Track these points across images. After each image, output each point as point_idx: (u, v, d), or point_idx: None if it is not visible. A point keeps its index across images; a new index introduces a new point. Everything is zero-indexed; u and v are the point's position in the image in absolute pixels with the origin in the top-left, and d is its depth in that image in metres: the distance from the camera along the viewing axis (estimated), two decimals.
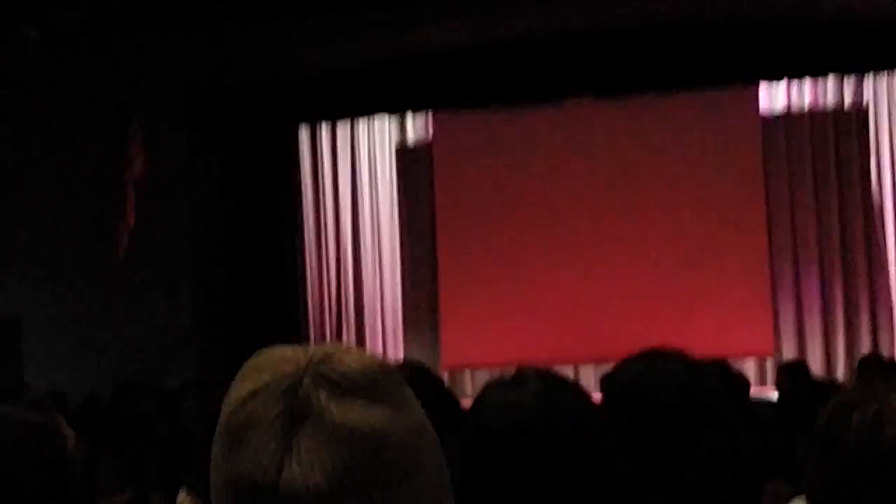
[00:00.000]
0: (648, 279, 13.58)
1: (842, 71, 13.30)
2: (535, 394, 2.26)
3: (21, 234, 13.28)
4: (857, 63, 13.02)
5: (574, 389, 2.36)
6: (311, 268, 14.43)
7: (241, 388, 1.30)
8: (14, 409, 3.06)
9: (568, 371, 12.08)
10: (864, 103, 13.64)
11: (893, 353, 12.61)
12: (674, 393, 2.86)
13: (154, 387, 10.80)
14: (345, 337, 14.29)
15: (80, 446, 6.97)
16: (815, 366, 11.96)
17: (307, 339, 14.09)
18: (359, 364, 1.28)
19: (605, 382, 2.98)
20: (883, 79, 13.39)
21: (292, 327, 14.05)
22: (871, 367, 8.09)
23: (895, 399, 2.35)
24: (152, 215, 12.67)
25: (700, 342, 11.02)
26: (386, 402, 1.27)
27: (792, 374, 8.20)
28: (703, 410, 2.90)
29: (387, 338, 14.42)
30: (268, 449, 1.22)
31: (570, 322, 13.65)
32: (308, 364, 1.27)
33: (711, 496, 3.00)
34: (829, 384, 8.01)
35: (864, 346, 12.79)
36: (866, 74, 13.39)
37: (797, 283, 13.66)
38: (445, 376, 11.63)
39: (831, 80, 13.56)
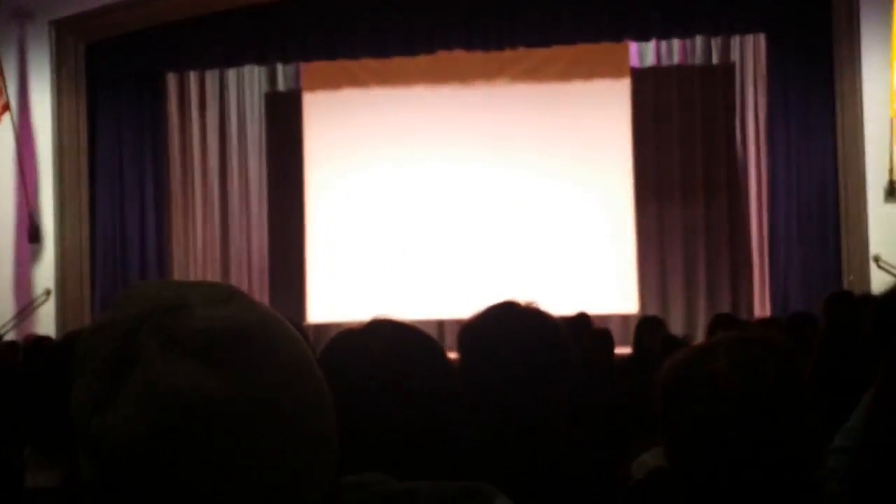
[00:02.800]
0: (516, 236, 13.62)
1: (709, 32, 13.45)
2: (382, 341, 2.26)
3: None
4: (724, 24, 13.02)
5: (422, 338, 2.34)
6: (177, 218, 14.22)
7: (98, 319, 1.26)
8: None
9: (433, 327, 12.34)
10: (731, 61, 14.05)
11: (752, 307, 13.13)
12: (524, 342, 2.92)
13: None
14: None
15: None
16: (678, 325, 12.31)
17: None
18: (205, 323, 1.19)
19: (460, 333, 3.05)
20: (749, 39, 13.67)
21: (158, 278, 13.74)
22: (722, 326, 8.32)
23: (724, 355, 2.33)
24: (16, 156, 12.49)
25: (567, 300, 11.35)
26: (221, 369, 1.17)
27: (647, 329, 8.50)
28: (554, 360, 2.96)
29: (253, 290, 13.97)
30: (90, 388, 1.18)
31: (437, 279, 13.67)
32: (153, 310, 1.20)
33: (570, 445, 3.18)
34: (682, 339, 8.12)
35: (724, 305, 13.06)
36: (733, 35, 13.68)
37: (661, 241, 13.87)
38: (311, 331, 11.57)
39: (700, 40, 13.78)
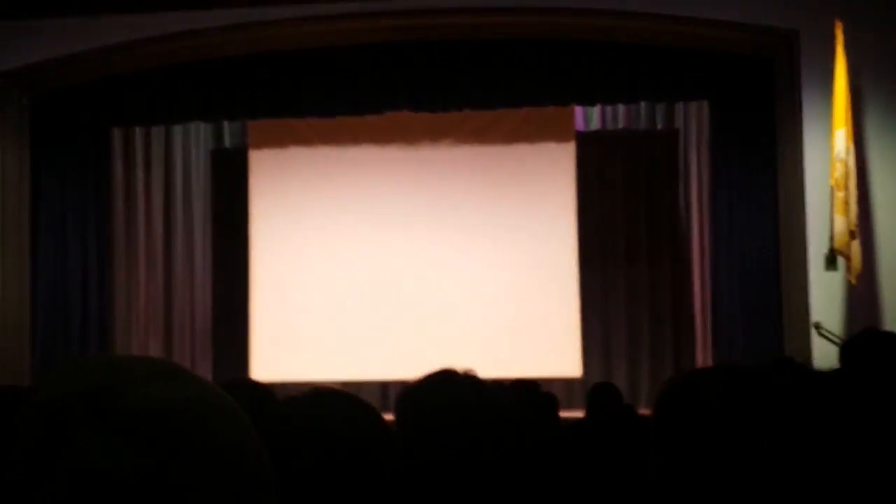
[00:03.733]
0: (461, 298, 13.68)
1: (654, 98, 13.59)
2: (324, 412, 2.32)
3: None
4: (668, 91, 13.23)
5: (362, 409, 2.38)
6: (120, 275, 14.06)
7: (30, 396, 1.25)
8: None
9: (376, 389, 12.69)
10: (675, 127, 14.16)
11: (695, 365, 13.20)
12: (458, 411, 2.96)
13: None
14: (152, 349, 14.14)
15: None
16: (621, 388, 12.39)
17: (113, 349, 13.74)
18: (139, 403, 1.18)
19: (397, 401, 3.08)
20: (692, 106, 13.73)
21: (99, 337, 13.76)
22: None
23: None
24: None
25: (512, 363, 11.60)
26: (154, 449, 1.16)
27: (603, 396, 8.38)
28: (489, 429, 2.98)
29: (196, 348, 14.27)
30: (21, 469, 1.17)
31: (382, 340, 13.56)
32: (87, 389, 1.19)
33: None
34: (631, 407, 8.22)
35: (667, 369, 13.16)
36: (677, 102, 13.80)
37: (605, 305, 13.96)
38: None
39: (644, 106, 13.91)
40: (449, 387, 3.08)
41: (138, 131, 14.08)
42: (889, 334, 6.75)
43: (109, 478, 1.13)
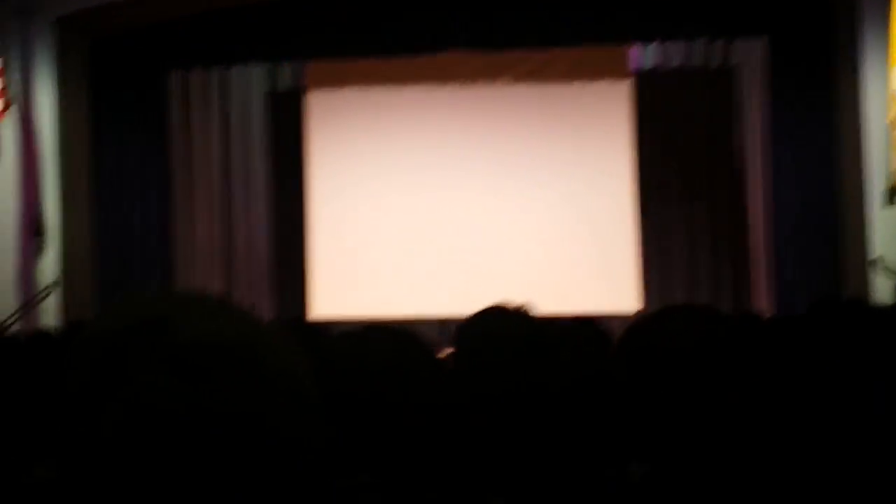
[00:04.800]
0: (520, 235, 13.70)
1: (711, 35, 13.46)
2: (376, 350, 2.39)
3: None
4: (725, 27, 13.17)
5: (415, 346, 2.47)
6: (180, 213, 14.18)
7: (88, 330, 1.28)
8: None
9: (434, 325, 12.42)
10: (732, 64, 13.87)
11: (753, 307, 12.98)
12: (510, 344, 2.91)
13: None
14: (212, 288, 14.04)
15: None
16: None
17: (175, 284, 14.09)
18: (190, 338, 1.22)
19: (456, 334, 3.18)
20: (750, 43, 13.49)
21: (161, 277, 14.03)
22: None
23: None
24: (20, 152, 12.53)
25: (571, 299, 11.72)
26: (203, 384, 1.21)
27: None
28: (537, 362, 2.91)
29: (255, 285, 14.31)
30: (82, 398, 1.22)
31: (440, 277, 13.66)
32: (141, 325, 1.23)
33: (568, 448, 2.97)
34: None
35: (727, 306, 12.96)
36: (734, 39, 13.59)
37: (663, 243, 13.84)
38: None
39: (701, 43, 13.73)
40: (500, 321, 3.14)
41: (195, 74, 14.21)
42: None
43: (161, 409, 1.17)
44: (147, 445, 1.19)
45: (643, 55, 13.81)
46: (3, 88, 12.33)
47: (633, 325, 2.86)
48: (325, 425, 1.32)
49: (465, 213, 13.83)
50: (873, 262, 11.45)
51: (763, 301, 13.05)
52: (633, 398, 2.69)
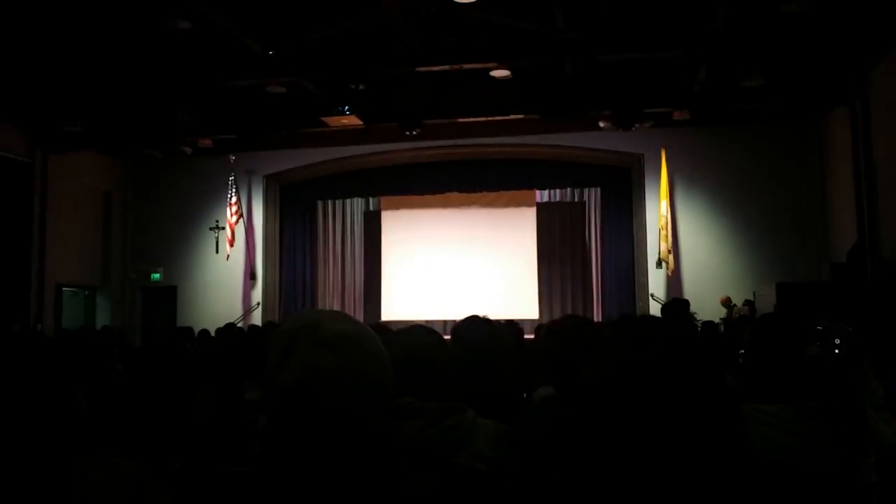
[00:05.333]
0: (482, 282, 13.98)
1: (573, 186, 14.17)
2: (417, 336, 2.23)
3: None
4: (579, 182, 13.89)
5: (432, 333, 2.29)
6: (320, 274, 14.56)
7: (277, 329, 1.25)
8: None
9: (441, 324, 12.41)
10: (583, 200, 14.30)
11: (593, 316, 13.04)
12: (479, 336, 3.04)
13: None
14: (335, 305, 14.42)
15: None
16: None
17: (317, 304, 14.22)
18: (329, 331, 1.22)
19: (452, 331, 3.09)
20: (593, 190, 14.09)
21: (311, 300, 14.36)
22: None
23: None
24: (245, 240, 13.20)
25: (504, 311, 11.85)
26: (337, 353, 1.21)
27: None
28: (494, 344, 3.03)
29: (355, 307, 14.60)
30: (274, 361, 1.21)
31: (443, 301, 13.67)
32: (303, 325, 1.24)
33: (506, 387, 3.05)
34: None
35: (580, 311, 12.65)
36: (585, 188, 14.14)
37: (550, 284, 14.20)
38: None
39: (569, 190, 14.22)
40: (476, 323, 3.09)
41: (329, 202, 14.88)
42: (684, 300, 7.20)
43: (314, 365, 1.20)
44: (308, 382, 1.18)
45: (542, 194, 14.36)
46: (238, 208, 13.28)
47: (550, 325, 2.56)
48: (392, 386, 1.28)
49: (453, 268, 14.17)
50: (651, 295, 12.08)
51: (597, 314, 13.56)
52: (542, 361, 2.47)
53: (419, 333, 2.25)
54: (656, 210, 12.35)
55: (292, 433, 1.19)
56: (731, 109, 11.30)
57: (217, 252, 13.47)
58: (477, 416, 2.12)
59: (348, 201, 14.88)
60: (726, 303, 10.95)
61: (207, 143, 11.97)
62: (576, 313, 12.55)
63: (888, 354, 3.71)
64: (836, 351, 2.41)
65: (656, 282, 12.39)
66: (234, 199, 13.29)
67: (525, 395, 3.23)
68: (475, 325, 3.05)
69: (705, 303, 10.65)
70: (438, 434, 2.00)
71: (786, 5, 7.52)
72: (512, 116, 11.13)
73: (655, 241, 12.34)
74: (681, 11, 8.90)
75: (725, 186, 12.31)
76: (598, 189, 13.83)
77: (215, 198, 13.55)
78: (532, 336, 8.40)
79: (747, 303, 10.64)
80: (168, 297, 13.64)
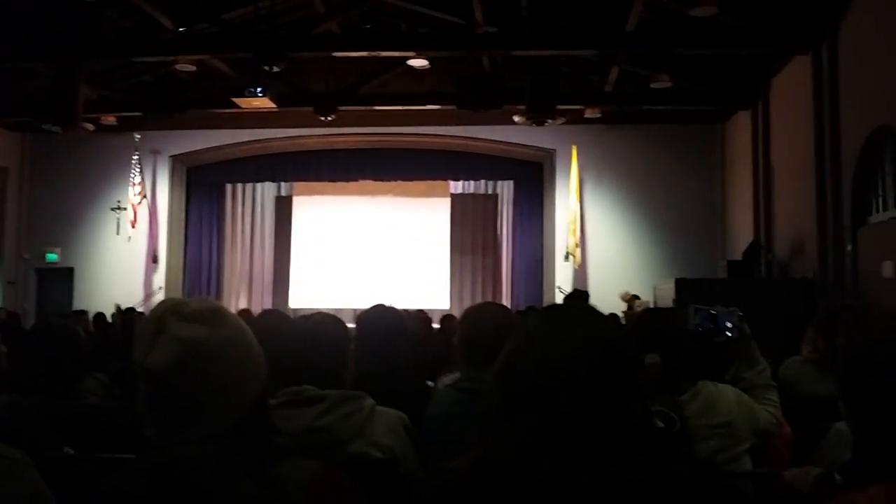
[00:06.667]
0: (396, 269, 13.96)
1: (487, 178, 14.30)
2: (309, 323, 2.26)
3: None
4: (494, 175, 13.97)
5: (333, 321, 2.31)
6: (226, 257, 14.28)
7: (145, 315, 1.13)
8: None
9: (350, 312, 11.31)
10: (497, 193, 14.61)
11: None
12: (384, 323, 3.02)
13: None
14: (242, 292, 14.28)
15: None
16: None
17: (223, 293, 14.09)
18: (196, 306, 1.23)
19: (357, 319, 3.05)
20: (506, 182, 14.14)
21: (216, 286, 14.01)
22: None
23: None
24: (148, 221, 12.87)
25: (416, 301, 11.96)
26: (207, 325, 1.21)
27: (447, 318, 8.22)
28: (398, 332, 3.02)
29: (264, 292, 14.48)
30: (143, 347, 1.19)
31: (354, 288, 13.56)
32: (171, 306, 1.24)
33: (409, 373, 3.05)
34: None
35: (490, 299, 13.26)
36: (498, 181, 14.33)
37: (461, 274, 14.37)
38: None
39: (483, 182, 14.37)
40: (381, 311, 3.10)
41: (238, 186, 14.59)
42: (584, 291, 7.86)
43: (186, 340, 1.18)
44: (180, 359, 1.18)
45: (456, 186, 14.49)
46: (142, 189, 12.97)
47: (467, 312, 2.60)
48: (264, 356, 1.27)
49: (365, 256, 14.13)
50: (557, 287, 12.33)
51: (505, 303, 12.60)
52: (458, 348, 2.47)
53: (321, 321, 2.24)
54: (566, 204, 12.62)
55: (172, 414, 1.17)
56: (640, 109, 11.66)
57: (118, 233, 13.16)
58: (376, 404, 2.14)
59: (258, 186, 14.66)
60: (627, 298, 11.28)
61: (111, 119, 11.64)
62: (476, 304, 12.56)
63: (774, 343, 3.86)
64: (728, 334, 2.60)
65: (563, 275, 12.64)
66: (137, 180, 13.01)
67: (431, 383, 3.25)
68: (380, 314, 3.05)
69: (609, 296, 10.88)
70: (335, 422, 2.01)
71: (695, 10, 7.87)
72: (428, 107, 11.18)
73: (564, 234, 12.60)
74: (596, 12, 9.20)
75: (632, 184, 12.68)
76: (512, 182, 14.00)
77: (118, 177, 13.18)
78: (439, 326, 8.30)
79: (636, 297, 11.07)
80: (65, 279, 13.20)
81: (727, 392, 2.50)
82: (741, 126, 11.75)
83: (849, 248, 8.01)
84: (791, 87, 9.76)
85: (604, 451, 1.08)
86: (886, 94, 7.20)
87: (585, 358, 1.12)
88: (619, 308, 10.47)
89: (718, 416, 2.42)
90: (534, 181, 13.53)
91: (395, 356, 2.93)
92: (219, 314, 1.24)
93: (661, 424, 2.12)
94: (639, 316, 3.35)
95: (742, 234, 11.45)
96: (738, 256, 10.47)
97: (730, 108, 11.90)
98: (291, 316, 3.05)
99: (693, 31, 8.79)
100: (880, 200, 7.69)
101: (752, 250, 10.06)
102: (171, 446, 1.16)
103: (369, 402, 2.12)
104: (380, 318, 3.02)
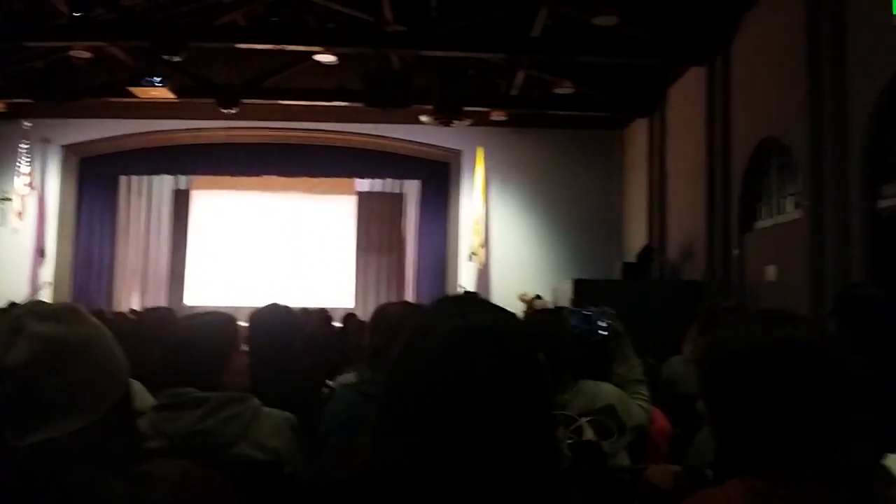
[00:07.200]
0: (296, 268, 13.94)
1: (393, 177, 14.14)
2: (195, 320, 2.21)
3: None
4: (399, 173, 13.91)
5: (222, 318, 2.27)
6: (119, 252, 13.92)
7: None
8: None
9: (245, 311, 12.52)
10: (403, 192, 14.61)
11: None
12: (275, 322, 3.00)
13: None
14: (133, 290, 13.96)
15: None
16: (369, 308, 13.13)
17: (114, 291, 13.76)
18: (53, 307, 1.24)
19: (249, 318, 2.99)
20: (413, 182, 14.23)
21: (107, 283, 13.63)
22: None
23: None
24: (37, 212, 12.38)
25: (319, 300, 11.85)
26: (65, 323, 1.21)
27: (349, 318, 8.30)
28: (290, 331, 3.01)
29: (159, 288, 14.21)
30: (1, 344, 1.18)
31: (251, 287, 13.40)
32: (28, 308, 1.24)
33: (304, 371, 3.10)
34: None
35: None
36: (404, 180, 14.28)
37: (366, 274, 14.35)
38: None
39: (389, 181, 14.30)
40: (273, 310, 3.10)
41: (133, 178, 14.17)
42: (474, 293, 7.83)
43: (44, 336, 1.18)
44: (39, 355, 1.16)
45: (362, 184, 14.43)
46: (31, 180, 12.53)
47: (378, 311, 2.60)
48: (122, 352, 1.25)
49: (267, 254, 14.00)
50: (459, 286, 12.48)
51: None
52: (368, 347, 2.46)
53: (208, 321, 2.19)
54: (472, 205, 12.83)
55: (31, 413, 1.15)
56: (544, 114, 11.98)
57: (3, 225, 12.61)
58: (262, 405, 2.13)
59: (155, 178, 14.29)
60: (527, 299, 11.51)
61: (0, 106, 11.14)
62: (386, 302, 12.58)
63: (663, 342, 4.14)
64: (602, 333, 2.74)
65: (467, 274, 12.85)
66: (26, 169, 12.51)
67: (332, 382, 3.24)
68: (272, 312, 3.03)
69: (512, 297, 11.08)
70: (218, 424, 2.00)
71: (597, 19, 8.16)
72: (335, 103, 11.15)
73: (469, 234, 12.80)
74: (504, 16, 9.38)
75: (536, 186, 12.97)
76: (418, 182, 14.05)
77: (4, 166, 12.63)
78: (341, 324, 8.39)
79: (539, 297, 11.35)
80: None
81: (607, 389, 2.61)
82: (639, 133, 12.21)
83: (735, 252, 8.42)
84: (686, 97, 10.21)
85: (494, 460, 1.02)
86: (773, 108, 7.62)
87: (475, 355, 1.06)
88: (520, 309, 10.58)
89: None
90: (440, 181, 13.62)
91: (287, 356, 2.91)
92: (76, 313, 1.24)
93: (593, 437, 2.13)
94: (523, 318, 3.41)
95: (638, 236, 11.89)
96: (634, 258, 10.83)
97: (629, 115, 12.34)
98: (186, 314, 2.87)
99: (595, 39, 9.08)
100: (766, 207, 8.12)
101: (646, 253, 10.48)
102: (33, 444, 1.14)
103: (253, 403, 2.11)
104: (272, 318, 2.99)
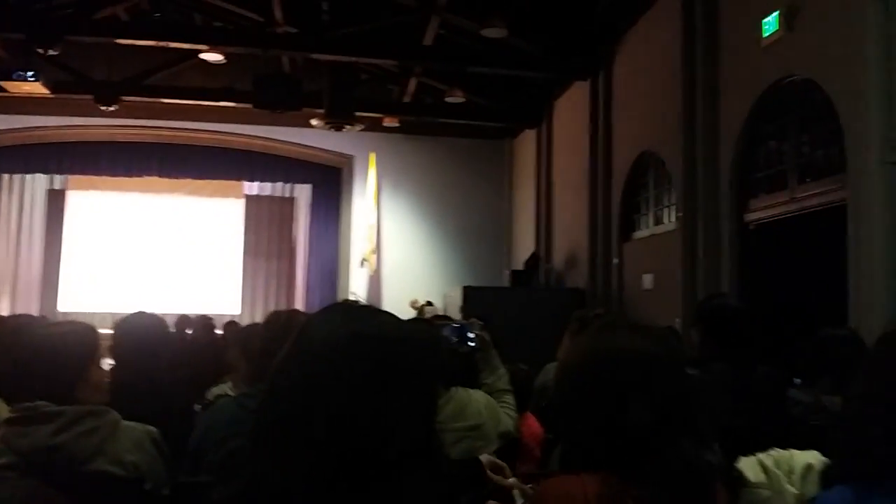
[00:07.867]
0: (177, 273, 13.63)
1: (285, 181, 13.92)
2: (63, 328, 2.14)
3: None
4: (290, 177, 13.73)
5: (89, 329, 2.18)
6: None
7: None
8: None
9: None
10: (294, 196, 14.37)
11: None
12: (144, 330, 2.97)
13: None
14: (4, 295, 13.35)
15: None
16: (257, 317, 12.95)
17: None
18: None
19: (114, 326, 2.96)
20: (304, 186, 13.97)
21: None
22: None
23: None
24: None
25: (204, 307, 11.41)
26: None
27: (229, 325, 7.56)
28: (161, 338, 3.01)
29: (30, 295, 13.51)
30: None
31: (126, 294, 13.12)
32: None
33: (170, 384, 3.00)
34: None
35: (283, 307, 12.23)
36: (296, 184, 14.07)
37: (255, 279, 14.14)
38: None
39: (280, 184, 14.12)
40: (139, 318, 3.05)
41: (4, 176, 13.53)
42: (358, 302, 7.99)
43: None
44: None
45: (251, 187, 14.13)
46: None
47: (268, 319, 2.52)
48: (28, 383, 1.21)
49: (149, 258, 13.67)
50: (352, 293, 12.38)
51: (301, 305, 13.14)
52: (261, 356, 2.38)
53: (66, 330, 2.12)
54: (364, 211, 12.90)
55: None
56: (436, 122, 12.16)
57: None
58: (120, 419, 2.07)
59: (28, 177, 13.67)
60: (418, 306, 11.58)
61: None
62: (279, 309, 12.63)
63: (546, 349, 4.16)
64: (471, 344, 2.79)
65: (359, 281, 12.90)
66: None
67: (206, 392, 3.22)
68: (139, 321, 2.97)
69: (402, 304, 11.26)
70: (72, 439, 1.93)
71: (486, 30, 8.35)
72: (222, 103, 10.96)
73: (361, 240, 12.86)
74: (397, 23, 9.50)
75: (428, 193, 13.15)
76: (309, 186, 13.96)
77: None
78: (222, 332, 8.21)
79: (430, 304, 11.56)
80: None
81: (477, 397, 2.70)
82: (528, 143, 12.55)
83: (615, 261, 8.79)
84: (572, 109, 10.57)
85: (377, 474, 0.98)
86: (651, 123, 8.00)
87: (360, 362, 1.01)
88: (411, 315, 10.73)
89: (469, 419, 2.61)
90: (332, 186, 13.63)
91: (153, 367, 2.85)
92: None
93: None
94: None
95: (525, 244, 12.19)
96: (522, 266, 11.10)
97: (518, 125, 12.68)
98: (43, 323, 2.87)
99: (485, 50, 9.28)
100: (644, 218, 8.49)
101: (533, 261, 10.74)
102: None
103: (112, 417, 2.04)
104: (138, 326, 2.93)
